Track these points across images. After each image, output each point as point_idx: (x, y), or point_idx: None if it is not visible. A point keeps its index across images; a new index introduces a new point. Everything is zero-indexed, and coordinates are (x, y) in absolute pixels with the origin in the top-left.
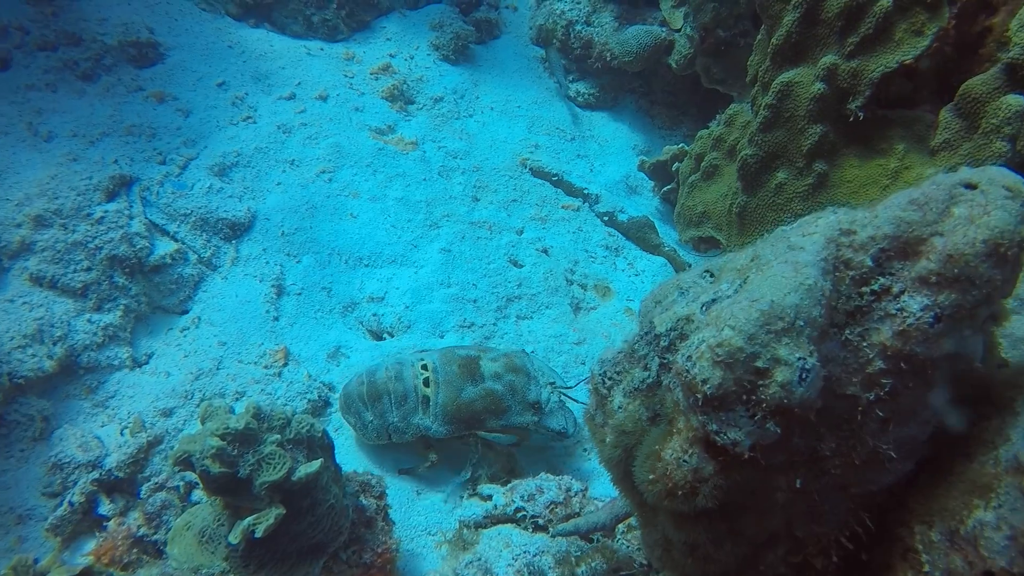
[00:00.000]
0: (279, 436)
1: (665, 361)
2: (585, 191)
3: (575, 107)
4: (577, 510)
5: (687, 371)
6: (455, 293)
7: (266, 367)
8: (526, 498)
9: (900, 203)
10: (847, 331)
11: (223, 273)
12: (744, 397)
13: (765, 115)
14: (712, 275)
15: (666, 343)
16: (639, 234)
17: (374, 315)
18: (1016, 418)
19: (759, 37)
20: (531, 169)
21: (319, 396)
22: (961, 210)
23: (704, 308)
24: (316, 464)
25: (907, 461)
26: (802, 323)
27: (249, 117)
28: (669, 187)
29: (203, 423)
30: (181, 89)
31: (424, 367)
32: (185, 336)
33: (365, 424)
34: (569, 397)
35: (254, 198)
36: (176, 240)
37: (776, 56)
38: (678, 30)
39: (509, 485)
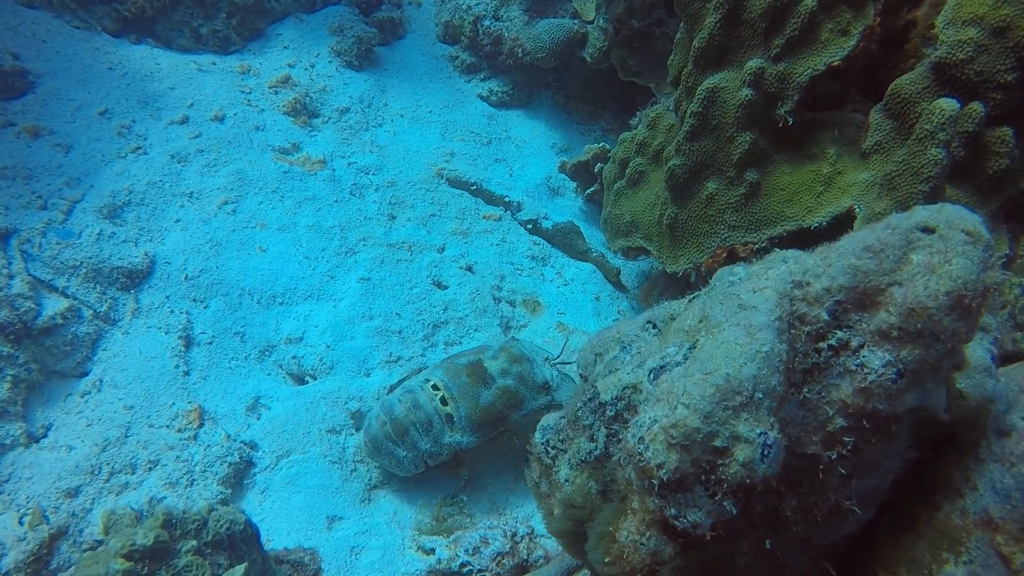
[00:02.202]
0: (195, 542)
1: (612, 431)
2: (506, 199)
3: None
4: (525, 557)
5: (640, 454)
6: (378, 325)
7: (179, 430)
8: (471, 551)
9: (854, 249)
10: (805, 389)
11: (123, 328)
12: (703, 478)
13: (691, 123)
14: (655, 327)
15: (612, 413)
16: (565, 241)
17: (293, 357)
18: (982, 465)
19: (679, 36)
20: (448, 179)
21: (240, 457)
22: (920, 257)
23: (652, 376)
24: (240, 570)
25: (869, 509)
26: (761, 395)
27: (138, 148)
28: (593, 188)
29: (105, 534)
30: (58, 121)
31: (435, 387)
32: (86, 402)
33: (400, 460)
34: (565, 363)
35: (151, 240)
36: (66, 296)
37: (699, 59)
38: (591, 22)
39: (452, 537)
